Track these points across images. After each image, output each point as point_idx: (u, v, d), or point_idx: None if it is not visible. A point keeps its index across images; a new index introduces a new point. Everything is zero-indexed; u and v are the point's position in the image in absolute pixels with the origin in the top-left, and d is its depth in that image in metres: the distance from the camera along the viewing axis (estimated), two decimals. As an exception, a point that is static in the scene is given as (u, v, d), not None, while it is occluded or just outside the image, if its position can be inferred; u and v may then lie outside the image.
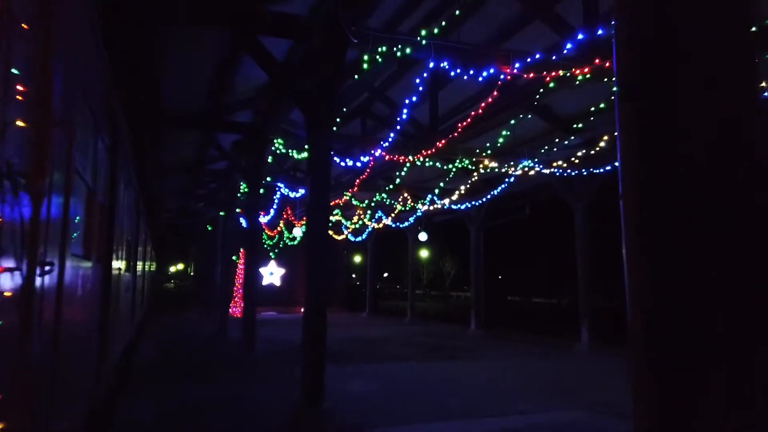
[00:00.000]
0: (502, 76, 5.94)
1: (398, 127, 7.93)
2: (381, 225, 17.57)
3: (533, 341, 14.11)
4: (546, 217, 36.00)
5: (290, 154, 9.66)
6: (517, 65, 5.87)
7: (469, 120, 7.80)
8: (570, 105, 11.24)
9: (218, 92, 8.96)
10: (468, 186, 12.30)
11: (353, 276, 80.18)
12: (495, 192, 12.65)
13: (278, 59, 6.66)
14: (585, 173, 10.31)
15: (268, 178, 12.57)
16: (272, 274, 26.36)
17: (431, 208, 14.34)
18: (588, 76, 6.30)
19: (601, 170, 10.07)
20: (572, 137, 10.88)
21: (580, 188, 11.92)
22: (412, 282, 19.55)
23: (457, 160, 10.69)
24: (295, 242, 25.05)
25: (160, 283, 54.44)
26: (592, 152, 9.46)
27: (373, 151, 8.86)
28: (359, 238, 21.53)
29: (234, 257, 25.18)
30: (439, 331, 17.06)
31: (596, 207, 12.14)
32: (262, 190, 12.65)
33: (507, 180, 12.05)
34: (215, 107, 9.65)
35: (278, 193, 15.02)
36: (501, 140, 9.15)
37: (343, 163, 9.59)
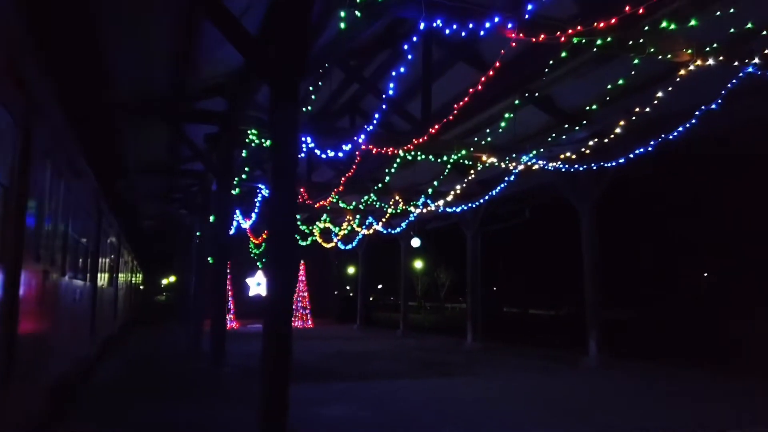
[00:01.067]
0: (509, 26, 4.89)
1: (384, 107, 6.89)
2: (371, 231, 16.49)
3: (535, 355, 13.01)
4: (546, 221, 34.87)
5: (265, 145, 8.58)
6: (526, 18, 4.83)
7: (466, 100, 6.75)
8: (574, 97, 10.26)
9: (180, 74, 7.92)
10: (464, 186, 11.26)
11: (347, 287, 79.18)
12: (493, 193, 11.61)
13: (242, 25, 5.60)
14: (594, 167, 9.28)
15: (243, 176, 11.46)
16: (260, 284, 25.18)
17: (424, 211, 13.30)
18: (609, 40, 5.30)
19: (613, 163, 9.04)
20: (577, 128, 9.90)
21: (586, 187, 10.90)
22: (404, 292, 18.45)
23: (453, 154, 9.65)
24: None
25: (151, 296, 53.08)
26: (605, 141, 8.43)
27: (356, 137, 7.79)
28: (349, 246, 20.41)
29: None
30: (432, 344, 15.94)
31: (603, 208, 11.12)
32: (237, 191, 11.57)
33: (506, 179, 11.03)
34: (179, 93, 8.59)
35: (259, 195, 13.96)
36: (503, 124, 8.13)
37: (324, 155, 8.53)
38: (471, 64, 9.53)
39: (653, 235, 37.79)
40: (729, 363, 12.76)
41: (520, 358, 12.44)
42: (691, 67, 6.26)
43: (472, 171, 10.62)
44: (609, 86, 8.13)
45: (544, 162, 10.13)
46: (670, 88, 6.88)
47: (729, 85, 6.74)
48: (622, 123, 7.81)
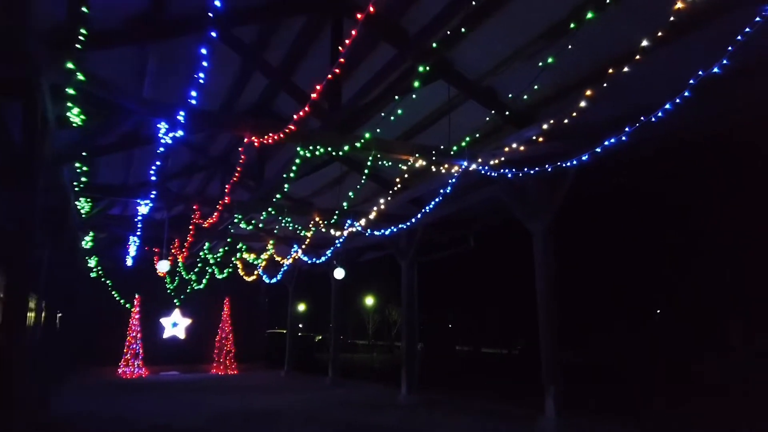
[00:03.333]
0: None
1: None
2: (290, 260, 13.92)
3: (482, 412, 10.57)
4: (498, 248, 32.54)
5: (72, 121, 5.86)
6: None
7: (337, 71, 4.48)
8: (522, 88, 8.26)
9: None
10: (388, 200, 8.94)
11: (300, 326, 75.28)
12: (426, 209, 9.32)
13: None
14: (549, 168, 7.14)
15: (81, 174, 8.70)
16: (176, 324, 21.94)
17: (345, 234, 10.89)
18: None
19: (573, 162, 6.91)
20: (525, 128, 7.83)
21: (538, 200, 8.76)
22: (334, 333, 15.81)
23: (370, 155, 7.34)
24: (201, 286, 20.99)
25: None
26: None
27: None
28: (274, 280, 17.70)
29: (126, 303, 20.77)
30: (363, 396, 13.30)
31: (561, 227, 8.98)
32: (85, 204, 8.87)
33: (441, 191, 8.79)
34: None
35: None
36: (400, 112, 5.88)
37: (168, 138, 6.00)
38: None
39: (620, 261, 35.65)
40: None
41: (465, 417, 10.01)
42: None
43: (398, 180, 8.34)
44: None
45: (486, 169, 7.97)
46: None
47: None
48: (583, 104, 5.66)
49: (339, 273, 13.51)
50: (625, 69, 6.32)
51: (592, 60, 7.02)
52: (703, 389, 16.80)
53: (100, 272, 19.59)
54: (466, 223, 13.05)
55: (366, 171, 7.64)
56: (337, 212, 9.91)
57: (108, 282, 20.30)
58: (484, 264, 37.91)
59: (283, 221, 10.98)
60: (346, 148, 6.65)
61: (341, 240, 12.24)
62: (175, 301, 21.93)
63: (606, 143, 6.00)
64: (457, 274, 41.10)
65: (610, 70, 5.52)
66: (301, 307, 73.11)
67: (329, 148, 6.60)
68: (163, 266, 11.93)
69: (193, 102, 5.32)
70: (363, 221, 9.68)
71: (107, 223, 12.83)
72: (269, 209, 10.63)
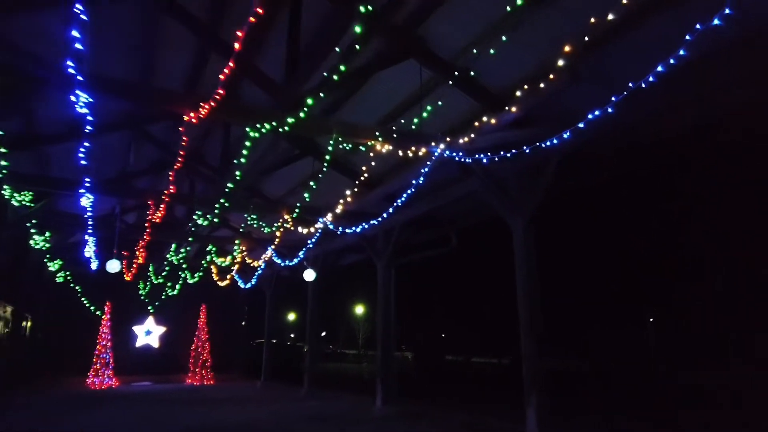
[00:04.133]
0: None
1: None
2: (262, 262, 13.09)
3: (461, 423, 9.73)
4: (485, 249, 31.33)
5: None
6: None
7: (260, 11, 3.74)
8: (504, 73, 7.55)
9: None
10: (355, 190, 8.15)
11: (292, 336, 74.11)
12: (398, 202, 8.54)
13: None
14: (527, 150, 6.37)
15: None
16: (149, 333, 20.99)
17: (313, 229, 10.07)
18: None
19: (553, 142, 6.16)
20: (503, 111, 7.10)
21: (518, 194, 8.01)
22: (310, 340, 14.92)
23: (330, 139, 6.57)
24: (175, 291, 20.09)
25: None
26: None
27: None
28: (248, 285, 16.82)
29: (97, 311, 19.81)
30: (336, 409, 12.41)
31: (545, 220, 8.23)
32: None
33: (414, 182, 8.02)
34: None
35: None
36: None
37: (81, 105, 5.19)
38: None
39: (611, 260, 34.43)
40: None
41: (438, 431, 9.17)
42: None
43: (365, 169, 7.57)
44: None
45: (460, 155, 7.21)
46: None
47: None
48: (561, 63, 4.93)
49: (309, 275, 12.68)
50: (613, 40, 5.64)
51: (577, 33, 6.31)
52: (703, 402, 16.02)
53: (68, 277, 18.67)
54: (448, 222, 12.27)
55: (328, 157, 6.84)
56: (299, 205, 9.09)
57: (77, 288, 19.38)
58: (472, 267, 36.93)
59: (249, 219, 10.17)
60: (290, 120, 5.85)
61: (313, 239, 11.43)
62: (149, 308, 21.01)
63: (590, 117, 5.22)
64: (448, 278, 40.15)
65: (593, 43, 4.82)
66: (291, 316, 72.15)
67: (273, 123, 5.79)
68: (112, 266, 11.07)
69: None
70: (330, 216, 8.88)
71: (57, 220, 11.95)
72: (223, 201, 9.76)
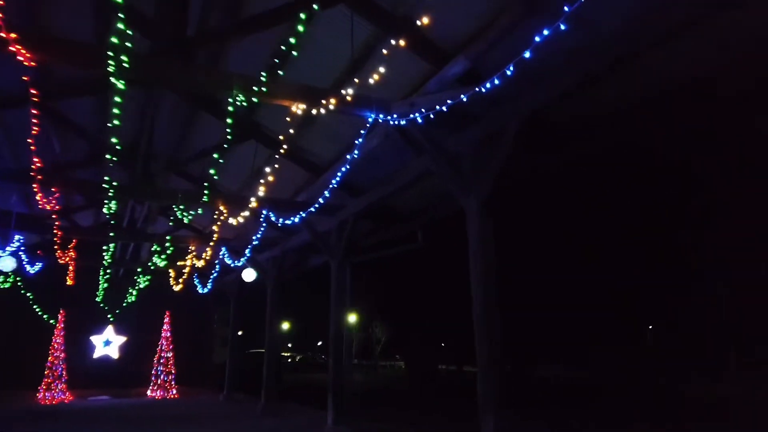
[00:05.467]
0: None
1: None
2: (202, 262, 11.74)
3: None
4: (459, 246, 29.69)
5: None
6: None
7: None
8: (453, 24, 6.26)
9: None
10: (276, 167, 6.81)
11: (289, 346, 72.36)
12: (334, 182, 7.19)
13: None
14: (464, 99, 5.06)
15: None
16: (108, 343, 19.55)
17: (241, 219, 8.72)
18: None
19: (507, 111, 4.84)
20: (449, 64, 5.80)
21: (473, 170, 6.68)
22: (269, 349, 13.52)
23: (230, 96, 5.25)
24: (132, 298, 18.70)
25: None
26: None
27: None
28: (205, 289, 15.45)
29: (51, 319, 18.42)
30: (289, 427, 11.01)
31: (505, 202, 6.90)
32: None
33: (348, 157, 6.69)
34: None
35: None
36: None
37: None
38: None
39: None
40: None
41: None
42: None
43: (282, 138, 6.25)
44: None
45: (394, 118, 5.89)
46: None
47: None
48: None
49: (248, 274, 11.34)
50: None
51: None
52: (698, 415, 14.66)
53: (18, 283, 17.34)
54: (410, 215, 10.94)
55: (230, 120, 5.51)
56: (206, 185, 7.73)
57: (29, 294, 18.04)
58: (454, 267, 35.34)
59: (177, 211, 8.84)
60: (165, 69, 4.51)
61: (258, 235, 10.10)
62: (108, 316, 19.62)
63: (537, 40, 3.91)
64: (444, 280, 38.57)
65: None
66: (285, 325, 70.49)
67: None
68: (6, 264, 9.74)
69: None
70: (254, 201, 7.53)
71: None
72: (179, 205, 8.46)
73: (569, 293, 31.78)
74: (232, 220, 8.74)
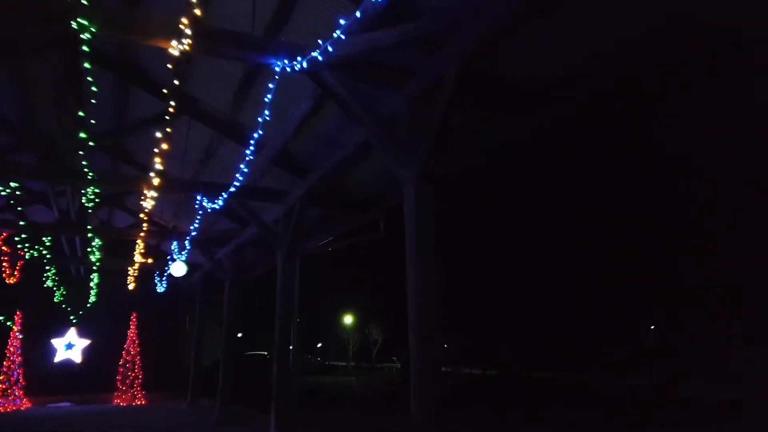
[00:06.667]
0: None
1: None
2: (139, 259, 10.58)
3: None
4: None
5: None
6: None
7: None
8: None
9: None
10: (167, 118, 5.64)
11: (290, 348, 71.03)
12: (247, 153, 6.01)
13: None
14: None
15: None
16: (71, 346, 18.40)
17: (151, 203, 7.56)
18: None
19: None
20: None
21: (411, 135, 5.53)
22: (196, 354, 12.38)
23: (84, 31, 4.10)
24: (92, 298, 17.59)
25: None
26: None
27: None
28: (161, 287, 14.29)
29: (8, 321, 17.31)
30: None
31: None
32: None
33: (260, 119, 5.53)
34: None
35: None
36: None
37: None
38: None
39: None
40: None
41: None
42: None
43: (167, 93, 5.08)
44: None
45: (299, 62, 4.73)
46: None
47: None
48: None
49: (177, 268, 10.18)
50: None
51: None
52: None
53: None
54: (370, 201, 9.77)
55: (87, 64, 4.37)
56: (86, 165, 6.51)
57: (-20, 295, 16.92)
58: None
59: (84, 195, 7.67)
60: None
61: (196, 224, 8.96)
62: (71, 317, 18.47)
63: None
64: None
65: None
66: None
67: None
68: None
69: None
70: (154, 179, 6.38)
71: None
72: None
73: (561, 290, 30.58)
74: (146, 203, 7.59)
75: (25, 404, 16.61)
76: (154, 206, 7.73)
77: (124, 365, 18.09)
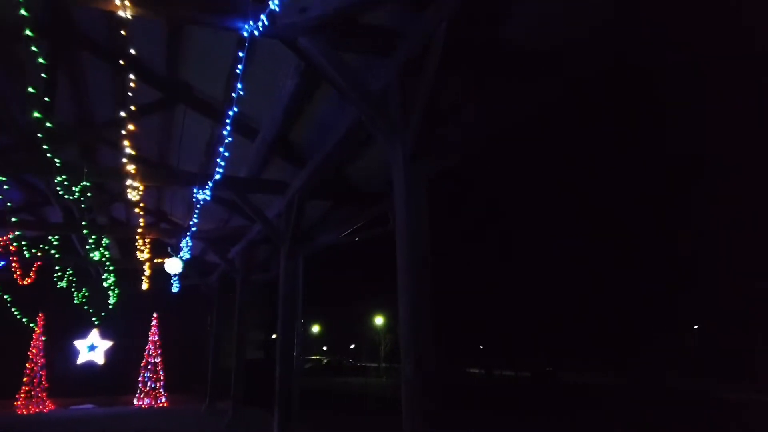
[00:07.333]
0: None
1: None
2: (147, 255, 10.26)
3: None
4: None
5: None
6: None
7: None
8: None
9: None
10: (132, 85, 5.16)
11: (324, 348, 71.32)
12: (224, 132, 5.50)
13: None
14: None
15: None
16: (93, 348, 18.40)
17: (139, 192, 7.13)
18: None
19: None
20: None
21: (400, 108, 4.92)
22: (213, 354, 11.98)
23: None
24: (113, 299, 17.51)
25: None
26: None
27: None
28: (176, 287, 14.03)
29: (30, 323, 17.37)
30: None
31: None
32: None
33: (234, 96, 5.01)
34: None
35: None
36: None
37: None
38: None
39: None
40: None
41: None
42: None
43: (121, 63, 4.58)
44: None
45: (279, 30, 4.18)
46: None
47: None
48: None
49: (172, 265, 9.76)
50: None
51: None
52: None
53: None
54: (378, 192, 9.17)
55: (28, 31, 3.91)
56: (59, 162, 6.04)
57: (6, 297, 17.03)
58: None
59: (76, 191, 7.32)
60: None
61: (194, 218, 8.55)
62: (93, 319, 18.48)
63: None
64: (465, 273, 36.43)
65: None
66: (315, 328, 69.25)
67: None
68: None
69: None
70: (128, 165, 5.93)
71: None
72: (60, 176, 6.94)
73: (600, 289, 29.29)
74: (131, 195, 7.19)
75: (48, 406, 16.59)
76: (141, 198, 7.31)
77: (146, 366, 17.97)
